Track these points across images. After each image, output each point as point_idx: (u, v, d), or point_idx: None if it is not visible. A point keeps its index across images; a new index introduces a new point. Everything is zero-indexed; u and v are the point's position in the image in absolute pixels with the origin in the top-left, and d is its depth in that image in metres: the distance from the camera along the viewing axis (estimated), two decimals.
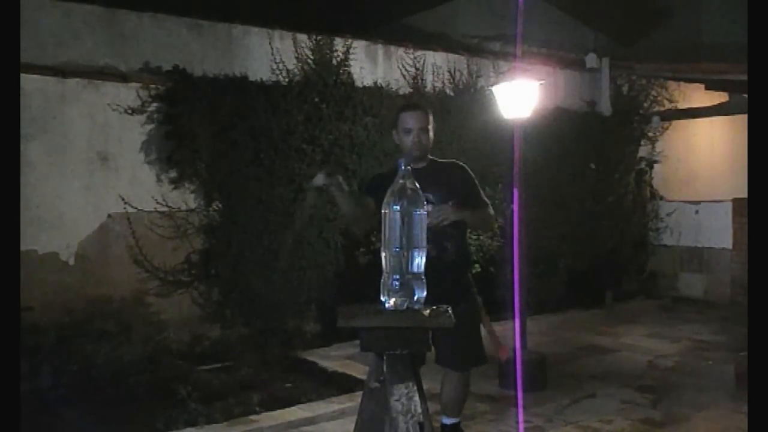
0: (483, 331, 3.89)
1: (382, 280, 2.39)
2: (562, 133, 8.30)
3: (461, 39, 8.64)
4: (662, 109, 9.45)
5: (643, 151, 9.43)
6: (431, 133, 3.49)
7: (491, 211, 3.67)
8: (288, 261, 6.45)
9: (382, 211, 2.39)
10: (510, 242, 5.60)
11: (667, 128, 9.48)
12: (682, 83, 9.83)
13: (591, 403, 5.10)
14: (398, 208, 2.36)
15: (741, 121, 8.42)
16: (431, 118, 3.49)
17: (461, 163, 3.66)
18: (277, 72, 6.57)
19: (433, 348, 3.32)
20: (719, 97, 10.15)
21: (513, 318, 5.34)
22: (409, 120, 3.43)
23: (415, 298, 2.38)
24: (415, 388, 2.38)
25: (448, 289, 3.09)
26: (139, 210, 6.03)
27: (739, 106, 8.75)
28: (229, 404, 4.96)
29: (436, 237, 3.28)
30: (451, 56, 7.95)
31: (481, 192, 3.66)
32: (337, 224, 6.71)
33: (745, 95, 8.19)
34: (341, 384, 5.35)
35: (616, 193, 9.04)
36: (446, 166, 3.61)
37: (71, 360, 5.31)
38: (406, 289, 2.36)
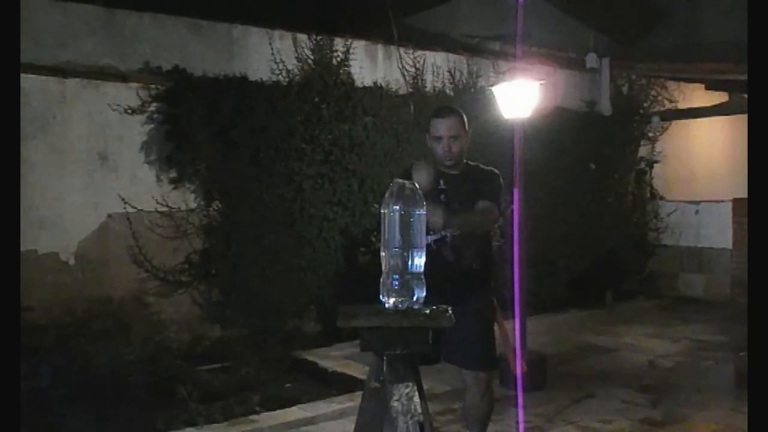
0: (498, 340, 3.62)
1: (381, 280, 2.39)
2: (562, 133, 8.30)
3: (461, 39, 8.63)
4: (662, 109, 9.45)
5: (643, 151, 9.43)
6: (465, 139, 3.32)
7: (489, 212, 3.33)
8: (288, 261, 6.46)
9: (381, 210, 2.39)
10: (510, 242, 5.60)
11: (667, 128, 9.48)
12: (682, 83, 9.83)
13: (591, 403, 5.10)
14: (397, 207, 2.36)
15: (741, 121, 8.42)
16: (466, 122, 3.33)
17: (496, 171, 3.45)
18: (277, 72, 6.57)
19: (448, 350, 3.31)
20: (719, 97, 10.15)
21: (513, 318, 5.34)
22: (440, 127, 3.28)
23: (415, 298, 2.38)
24: (415, 388, 2.38)
25: (460, 291, 3.05)
26: (139, 210, 6.02)
27: (739, 106, 8.75)
28: (229, 404, 4.96)
29: (455, 245, 3.28)
30: (451, 56, 7.95)
31: (498, 196, 3.40)
32: (337, 224, 6.71)
33: (745, 95, 8.19)
34: (341, 384, 5.35)
35: (616, 193, 9.04)
36: (480, 174, 3.42)
37: (71, 360, 5.30)
38: (405, 289, 2.36)
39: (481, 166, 3.46)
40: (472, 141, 7.81)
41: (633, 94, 9.32)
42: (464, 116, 3.33)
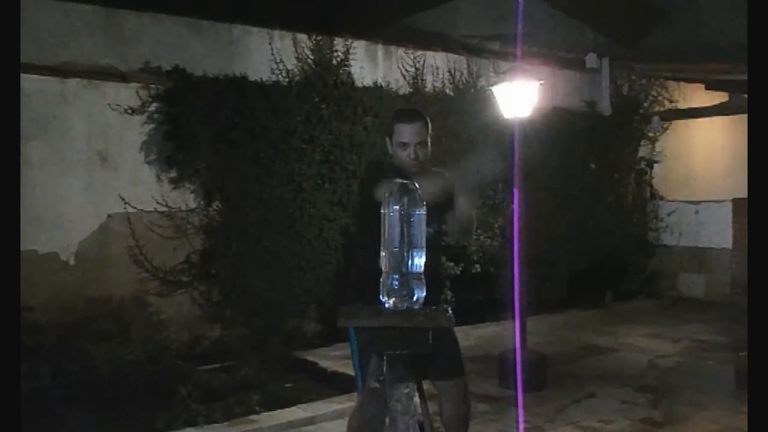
0: None
1: (381, 280, 2.39)
2: (562, 133, 8.30)
3: (461, 39, 8.64)
4: (662, 109, 9.46)
5: (643, 151, 9.43)
6: (429, 145, 3.12)
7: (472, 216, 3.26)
8: (288, 261, 6.46)
9: (382, 210, 2.38)
10: (510, 242, 5.60)
11: (667, 128, 9.48)
12: (682, 83, 9.83)
13: (591, 403, 5.10)
14: (398, 207, 2.35)
15: (741, 121, 8.43)
16: (430, 126, 3.13)
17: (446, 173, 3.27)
18: (277, 72, 6.57)
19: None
20: (719, 97, 10.15)
21: (513, 318, 5.34)
22: (406, 133, 3.05)
23: (415, 298, 2.38)
24: (415, 388, 2.38)
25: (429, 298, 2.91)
26: (139, 210, 6.02)
27: (739, 106, 8.76)
28: (229, 404, 4.96)
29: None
30: (451, 56, 7.95)
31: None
32: (337, 224, 6.71)
33: (745, 95, 8.19)
34: (341, 384, 5.34)
35: (616, 193, 9.04)
36: (437, 177, 3.19)
37: (71, 360, 5.31)
38: (405, 288, 2.36)
39: (433, 168, 3.22)
40: (473, 141, 7.86)
41: (633, 94, 9.33)
42: (428, 120, 3.14)
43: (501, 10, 8.01)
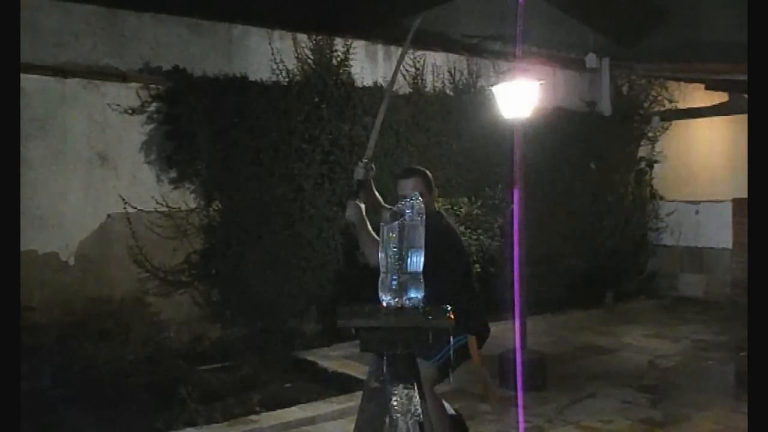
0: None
1: (380, 280, 2.39)
2: (562, 133, 8.30)
3: (461, 39, 8.64)
4: (662, 109, 9.45)
5: (643, 151, 9.43)
6: (428, 197, 3.49)
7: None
8: (288, 261, 6.46)
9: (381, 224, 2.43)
10: (510, 242, 5.60)
11: (667, 128, 9.48)
12: (682, 83, 9.83)
13: (591, 403, 5.10)
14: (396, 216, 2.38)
15: (741, 121, 8.42)
16: (430, 180, 3.60)
17: (434, 221, 3.14)
18: (277, 72, 6.57)
19: None
20: (719, 97, 10.14)
21: (513, 318, 5.34)
22: (403, 187, 3.53)
23: (411, 296, 2.38)
24: (415, 388, 2.38)
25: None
26: (139, 210, 6.02)
27: (739, 106, 8.75)
28: (229, 404, 4.97)
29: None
30: (451, 56, 7.95)
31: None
32: (337, 224, 6.71)
33: (745, 95, 8.19)
34: (341, 384, 5.35)
35: (616, 193, 9.04)
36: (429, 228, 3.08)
37: (71, 360, 5.31)
38: (403, 288, 2.37)
39: (433, 220, 3.16)
40: (473, 141, 7.82)
41: (633, 94, 9.33)
42: (428, 175, 3.61)
43: (501, 10, 8.00)
